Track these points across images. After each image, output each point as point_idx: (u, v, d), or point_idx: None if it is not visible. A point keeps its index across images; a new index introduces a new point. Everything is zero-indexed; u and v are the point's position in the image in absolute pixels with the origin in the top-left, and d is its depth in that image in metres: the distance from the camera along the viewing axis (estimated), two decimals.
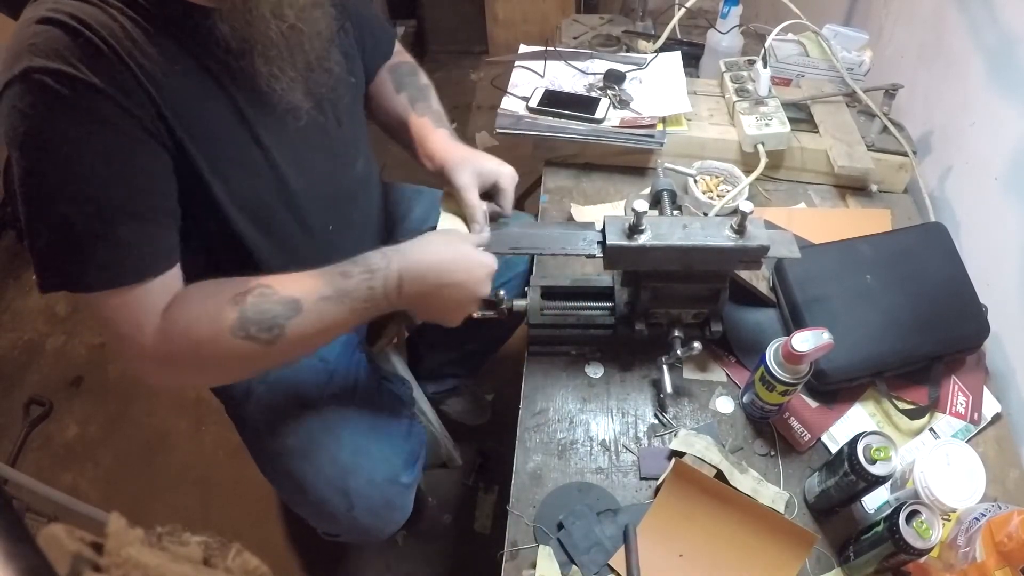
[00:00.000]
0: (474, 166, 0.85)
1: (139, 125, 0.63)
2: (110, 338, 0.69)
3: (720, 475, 0.79)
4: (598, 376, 0.93)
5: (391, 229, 1.09)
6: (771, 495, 0.80)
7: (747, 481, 0.80)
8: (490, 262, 0.77)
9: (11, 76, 0.59)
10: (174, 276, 0.70)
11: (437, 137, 0.91)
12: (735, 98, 1.17)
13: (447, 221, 0.86)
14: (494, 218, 0.87)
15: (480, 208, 0.83)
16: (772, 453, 0.86)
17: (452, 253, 0.75)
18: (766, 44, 1.18)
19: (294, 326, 0.69)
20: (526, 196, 1.82)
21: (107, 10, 0.61)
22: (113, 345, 0.69)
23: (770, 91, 1.16)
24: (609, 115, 1.14)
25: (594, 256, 0.81)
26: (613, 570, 0.76)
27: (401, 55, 1.04)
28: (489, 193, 0.87)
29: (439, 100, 1.00)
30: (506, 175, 0.87)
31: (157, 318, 0.67)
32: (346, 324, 0.73)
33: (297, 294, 0.69)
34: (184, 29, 0.65)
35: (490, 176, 0.86)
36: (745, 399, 0.87)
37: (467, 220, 0.84)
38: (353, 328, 0.75)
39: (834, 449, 0.84)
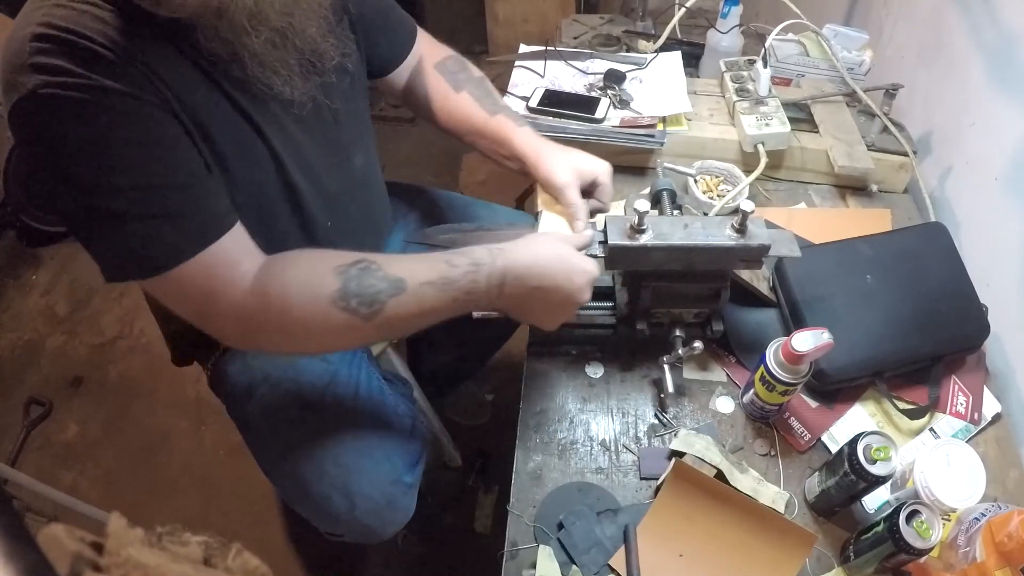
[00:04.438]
0: (572, 164, 0.84)
1: (155, 105, 0.63)
2: (197, 308, 0.69)
3: (720, 475, 0.79)
4: (598, 376, 0.92)
5: (392, 229, 1.09)
6: (771, 495, 0.80)
7: (747, 481, 0.80)
8: (592, 268, 0.75)
9: (19, 96, 0.59)
10: (241, 230, 0.70)
11: (522, 136, 0.89)
12: (735, 98, 1.17)
13: (549, 221, 0.84)
14: (593, 214, 0.85)
15: (583, 207, 0.81)
16: (772, 453, 0.86)
17: (555, 257, 0.74)
18: (766, 44, 1.18)
19: (394, 305, 0.68)
20: (526, 196, 1.82)
21: (100, 16, 0.61)
22: (202, 312, 0.69)
23: (770, 91, 1.16)
24: (609, 115, 1.13)
25: (595, 256, 0.81)
26: (613, 570, 0.76)
27: (438, 48, 1.01)
28: (586, 190, 0.85)
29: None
30: (604, 170, 0.85)
31: (241, 274, 0.67)
32: (444, 312, 0.72)
33: (402, 274, 0.69)
34: (176, 35, 0.65)
35: (589, 172, 0.84)
36: (745, 399, 0.87)
37: (569, 219, 0.83)
38: (450, 317, 0.74)
39: (834, 449, 0.84)
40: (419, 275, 0.69)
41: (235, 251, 0.68)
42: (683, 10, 1.34)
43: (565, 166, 0.83)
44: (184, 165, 0.66)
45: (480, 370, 1.50)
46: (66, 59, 0.59)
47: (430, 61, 0.98)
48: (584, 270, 0.74)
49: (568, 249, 0.75)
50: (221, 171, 0.71)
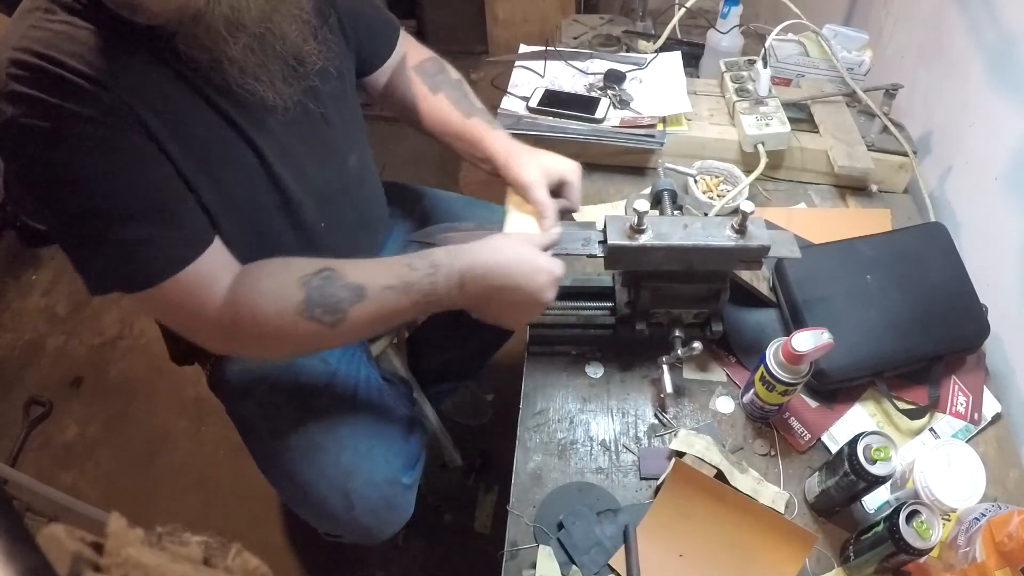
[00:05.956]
0: (541, 163, 0.84)
1: (127, 130, 0.64)
2: (178, 322, 0.73)
3: (720, 475, 0.79)
4: (598, 376, 0.92)
5: (391, 228, 1.09)
6: (771, 495, 0.80)
7: (747, 481, 0.80)
8: (554, 268, 0.76)
9: None
10: (218, 247, 0.72)
11: (495, 138, 0.90)
12: (735, 98, 1.17)
13: (517, 220, 0.84)
14: (563, 214, 0.85)
15: (551, 205, 0.82)
16: (772, 453, 0.86)
17: (516, 257, 0.74)
18: (766, 44, 1.18)
19: (357, 311, 0.71)
20: None
21: (77, 36, 0.61)
22: (184, 325, 0.73)
23: (770, 91, 1.16)
24: (609, 115, 1.14)
25: (595, 256, 0.81)
26: (613, 570, 0.76)
27: (418, 50, 1.02)
28: (555, 190, 0.86)
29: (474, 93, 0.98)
30: (572, 169, 0.86)
31: (217, 290, 0.70)
32: (406, 314, 0.74)
33: (362, 280, 0.71)
34: (155, 43, 0.65)
35: (558, 172, 0.85)
36: (745, 399, 0.87)
37: (538, 218, 0.83)
38: (413, 318, 0.76)
39: (834, 449, 0.84)
40: (380, 280, 0.72)
41: (212, 269, 0.70)
42: (683, 10, 1.34)
43: (534, 165, 0.84)
44: (158, 190, 0.67)
45: (480, 370, 1.50)
46: (39, 89, 0.60)
47: (410, 63, 0.99)
48: (546, 269, 0.75)
49: (530, 249, 0.76)
50: (207, 178, 0.72)
